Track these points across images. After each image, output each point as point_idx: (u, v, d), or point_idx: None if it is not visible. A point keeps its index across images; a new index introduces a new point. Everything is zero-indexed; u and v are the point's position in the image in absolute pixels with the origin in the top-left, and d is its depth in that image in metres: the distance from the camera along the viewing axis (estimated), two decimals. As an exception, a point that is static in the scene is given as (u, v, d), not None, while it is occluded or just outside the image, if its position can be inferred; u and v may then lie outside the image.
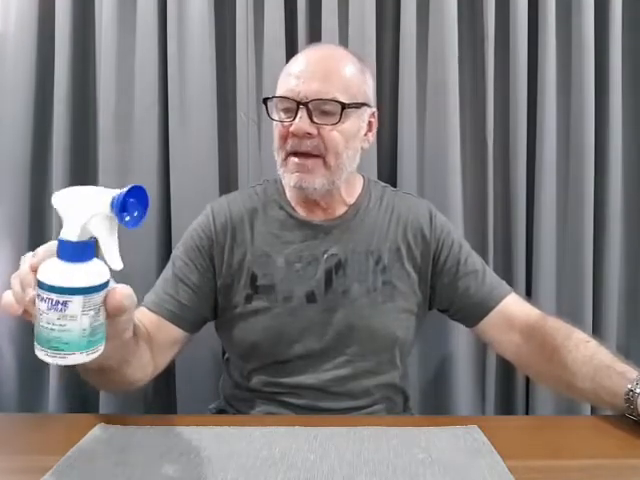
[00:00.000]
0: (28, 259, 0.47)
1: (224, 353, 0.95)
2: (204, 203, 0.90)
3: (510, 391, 1.29)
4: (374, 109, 0.85)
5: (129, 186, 0.44)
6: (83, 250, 0.44)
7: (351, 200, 0.87)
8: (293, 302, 0.81)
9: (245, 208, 0.86)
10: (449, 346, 1.23)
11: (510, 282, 0.91)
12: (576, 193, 1.24)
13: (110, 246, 0.45)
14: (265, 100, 0.80)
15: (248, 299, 0.82)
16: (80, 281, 0.43)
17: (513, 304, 0.84)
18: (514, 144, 1.24)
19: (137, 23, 1.20)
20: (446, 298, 0.87)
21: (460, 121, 1.23)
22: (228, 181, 1.25)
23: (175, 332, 0.80)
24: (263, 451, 0.57)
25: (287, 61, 1.18)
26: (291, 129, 0.76)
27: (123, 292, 0.47)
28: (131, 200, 0.44)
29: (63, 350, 0.43)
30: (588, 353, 0.73)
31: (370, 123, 0.85)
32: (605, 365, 0.70)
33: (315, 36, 1.21)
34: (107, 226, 0.45)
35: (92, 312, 0.44)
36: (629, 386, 0.66)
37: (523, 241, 1.25)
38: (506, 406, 1.29)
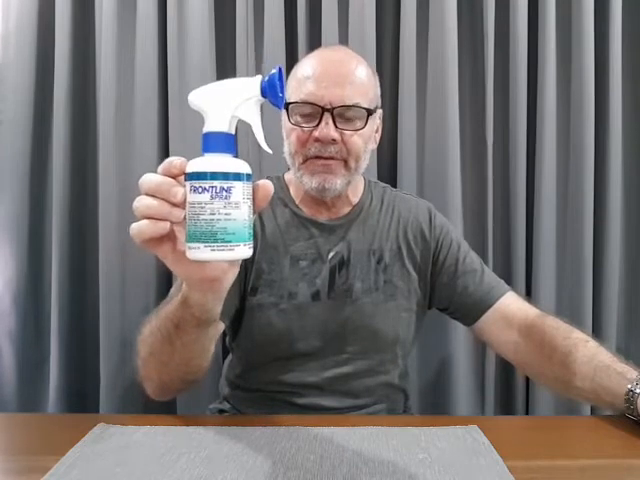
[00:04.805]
0: (148, 179, 0.45)
1: (224, 354, 0.95)
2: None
3: (510, 391, 1.29)
4: (381, 110, 0.86)
5: (275, 69, 0.45)
6: (231, 141, 0.45)
7: (355, 200, 0.87)
8: (298, 300, 0.81)
9: None
10: (449, 346, 1.23)
11: (510, 282, 0.91)
12: (576, 193, 1.24)
13: (261, 130, 0.47)
14: (287, 105, 0.78)
15: (253, 292, 0.81)
16: (239, 167, 0.44)
17: (511, 303, 0.84)
18: (514, 144, 1.24)
19: (137, 23, 1.21)
20: (445, 297, 0.88)
21: (460, 121, 1.23)
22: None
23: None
24: (263, 451, 0.57)
25: (287, 61, 1.19)
26: (317, 134, 0.75)
27: (267, 182, 0.48)
28: (279, 82, 0.45)
29: (230, 242, 0.43)
30: (588, 353, 0.73)
31: (377, 124, 0.85)
32: (605, 365, 0.70)
33: (315, 36, 1.21)
34: (256, 111, 0.46)
35: (249, 201, 0.45)
36: (629, 386, 0.66)
37: (523, 241, 1.25)
38: (506, 406, 1.29)
